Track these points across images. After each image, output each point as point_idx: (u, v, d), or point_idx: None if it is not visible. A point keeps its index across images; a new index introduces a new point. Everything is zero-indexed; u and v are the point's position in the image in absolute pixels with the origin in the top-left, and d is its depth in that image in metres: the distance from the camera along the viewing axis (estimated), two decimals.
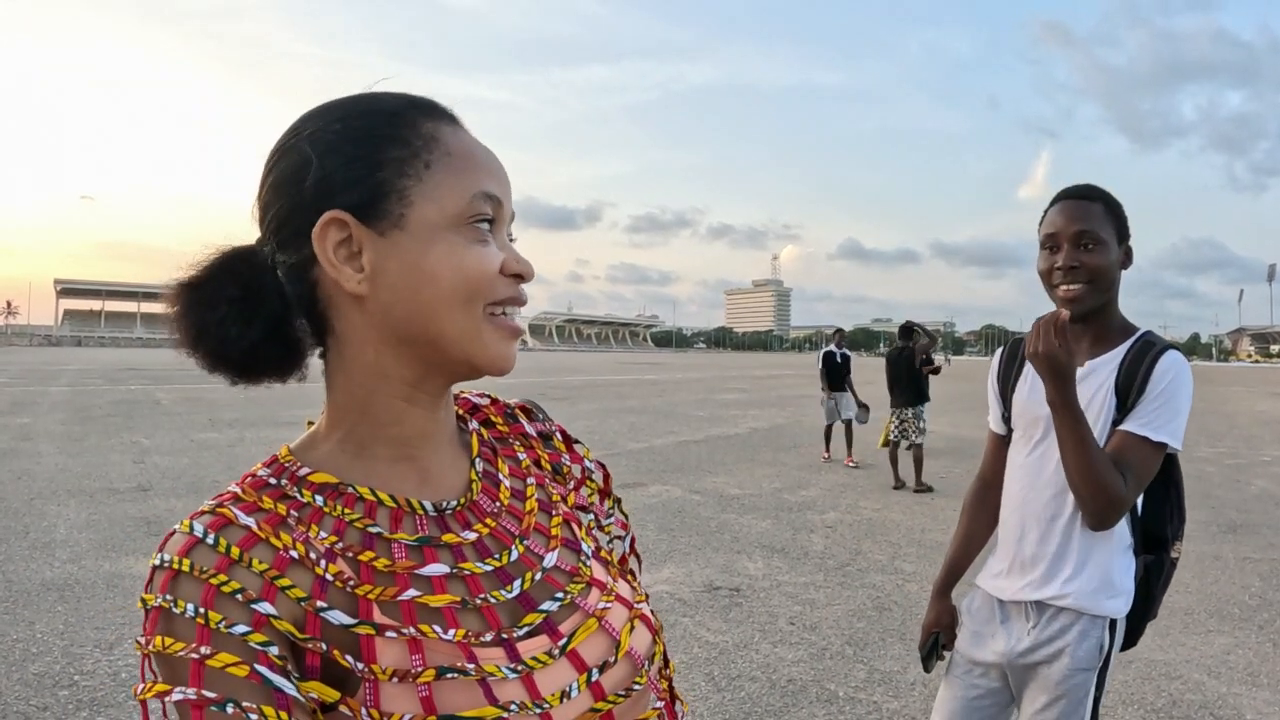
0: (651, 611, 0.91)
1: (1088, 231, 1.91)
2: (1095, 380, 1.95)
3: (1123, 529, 1.96)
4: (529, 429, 0.99)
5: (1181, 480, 2.08)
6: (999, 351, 2.30)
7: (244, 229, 0.83)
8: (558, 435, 1.02)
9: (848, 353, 12.89)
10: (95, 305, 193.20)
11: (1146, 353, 1.91)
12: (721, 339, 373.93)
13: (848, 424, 12.39)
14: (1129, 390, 1.90)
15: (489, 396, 1.00)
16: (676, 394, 27.55)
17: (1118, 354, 1.95)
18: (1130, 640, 2.05)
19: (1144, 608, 2.01)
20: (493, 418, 0.97)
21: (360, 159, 0.76)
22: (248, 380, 0.82)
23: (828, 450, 12.74)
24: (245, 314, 0.78)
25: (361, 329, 0.78)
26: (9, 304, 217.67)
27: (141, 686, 0.68)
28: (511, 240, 0.83)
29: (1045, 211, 2.02)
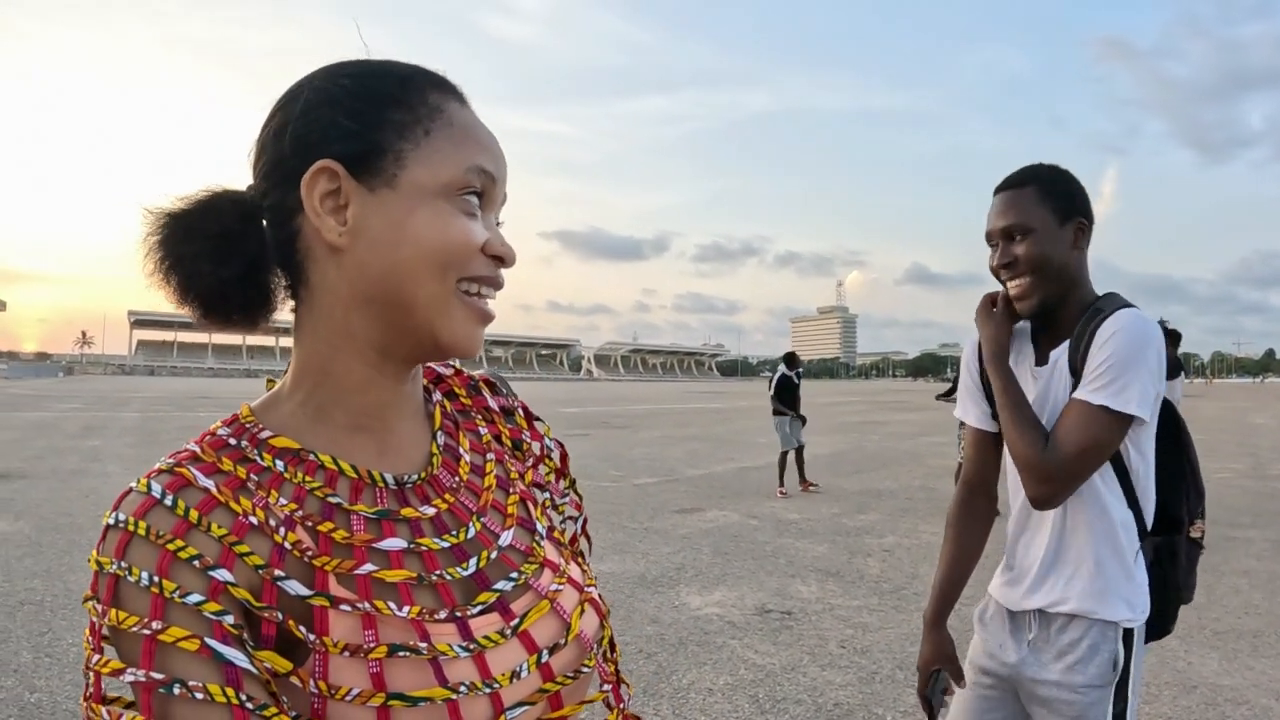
0: (600, 595, 0.91)
1: (1014, 224, 1.83)
2: (1057, 370, 1.84)
3: (1126, 519, 1.81)
4: (491, 402, 0.99)
5: (1195, 455, 1.96)
6: (973, 341, 2.07)
7: None
8: (519, 411, 1.01)
9: (799, 373, 12.47)
10: (168, 336, 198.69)
11: (1092, 320, 1.78)
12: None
13: (800, 450, 11.90)
14: (1077, 363, 1.77)
15: (453, 366, 0.99)
16: (739, 421, 27.41)
17: (1072, 336, 1.83)
18: (1161, 628, 1.91)
19: (1164, 592, 1.88)
20: (456, 389, 0.97)
21: (362, 114, 0.76)
22: (214, 319, 0.81)
23: (783, 484, 11.53)
24: (220, 252, 0.77)
25: (335, 284, 0.77)
26: (84, 334, 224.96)
27: (97, 658, 0.68)
28: (499, 225, 0.83)
29: None
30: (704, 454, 16.60)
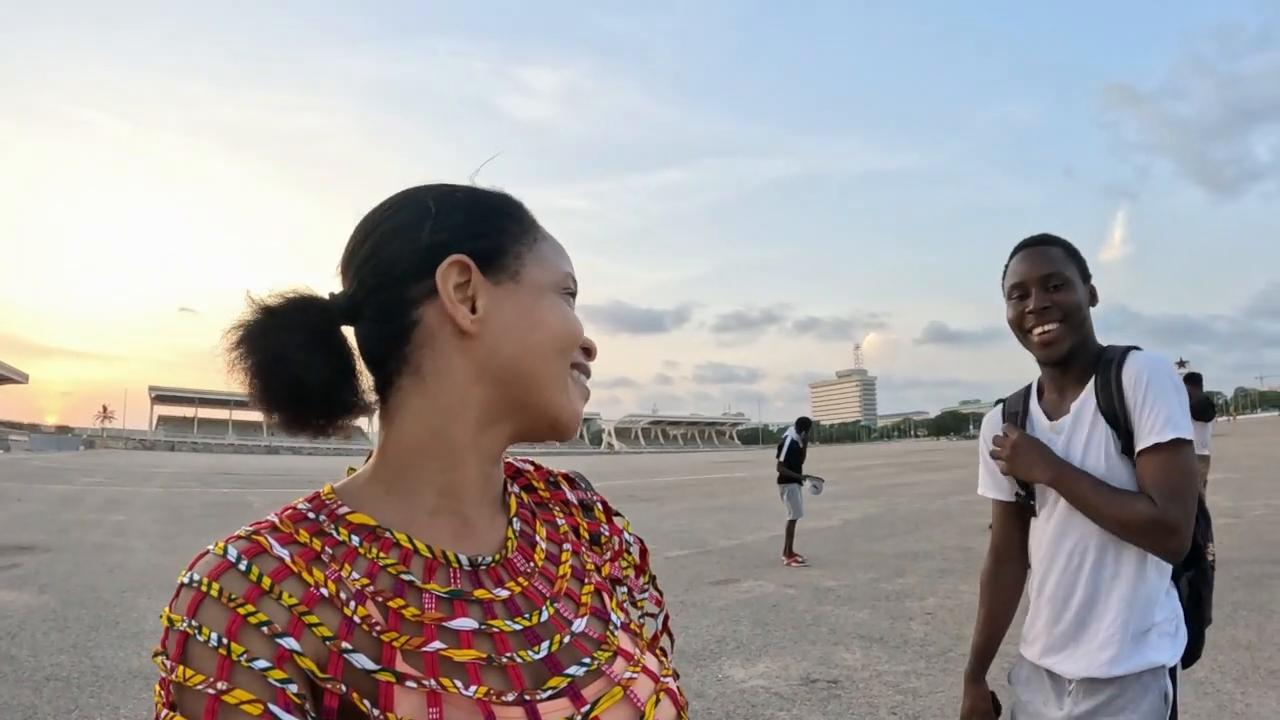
0: (678, 688, 0.89)
1: (1054, 274, 1.94)
2: (1083, 421, 1.92)
3: (1158, 561, 1.88)
4: (570, 496, 1.00)
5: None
6: (991, 416, 2.23)
7: None
8: (599, 505, 1.02)
9: (805, 438, 12.11)
10: (189, 412, 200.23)
11: (1109, 368, 1.90)
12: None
13: (794, 521, 11.46)
14: (1113, 411, 1.87)
15: (533, 463, 1.01)
16: (765, 490, 27.11)
17: (1091, 386, 1.93)
18: (1192, 653, 1.96)
19: (1200, 620, 1.96)
20: (535, 483, 0.99)
21: (483, 220, 0.84)
22: (301, 417, 0.81)
23: (796, 553, 11.17)
24: (324, 348, 0.80)
25: (459, 367, 0.81)
26: (105, 409, 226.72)
27: (166, 713, 0.68)
28: None
29: (1006, 266, 2.03)
30: (735, 524, 16.40)
